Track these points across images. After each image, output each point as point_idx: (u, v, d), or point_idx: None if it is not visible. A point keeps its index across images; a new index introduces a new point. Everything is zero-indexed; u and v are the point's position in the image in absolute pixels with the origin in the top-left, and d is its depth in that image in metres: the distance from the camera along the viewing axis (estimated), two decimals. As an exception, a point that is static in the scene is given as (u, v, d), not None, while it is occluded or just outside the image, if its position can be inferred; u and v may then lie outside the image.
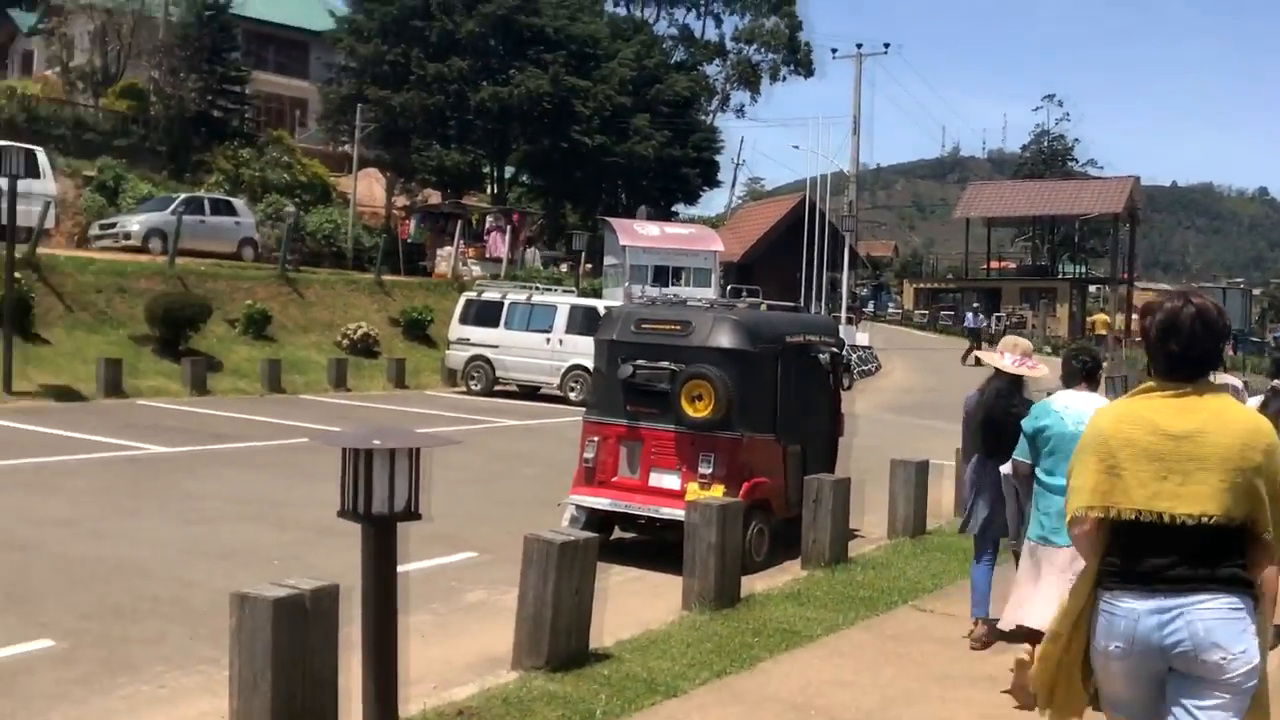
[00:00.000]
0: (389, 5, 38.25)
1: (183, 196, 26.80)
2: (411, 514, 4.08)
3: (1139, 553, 3.11)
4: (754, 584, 7.92)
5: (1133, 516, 3.09)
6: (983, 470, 6.75)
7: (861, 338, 34.47)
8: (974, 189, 57.33)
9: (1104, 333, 42.04)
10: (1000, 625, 6.06)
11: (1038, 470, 5.63)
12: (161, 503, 10.17)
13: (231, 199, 28.75)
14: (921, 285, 58.33)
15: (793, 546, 8.86)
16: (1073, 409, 5.52)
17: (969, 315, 38.35)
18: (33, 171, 20.05)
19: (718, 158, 61.84)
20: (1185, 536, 3.05)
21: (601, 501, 8.86)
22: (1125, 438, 3.14)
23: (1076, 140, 73.47)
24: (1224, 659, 3.00)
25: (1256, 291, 65.59)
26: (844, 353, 10.65)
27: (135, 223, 25.47)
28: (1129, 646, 3.09)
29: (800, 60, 61.92)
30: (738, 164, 60.71)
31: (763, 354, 8.93)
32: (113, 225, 25.84)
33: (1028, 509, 5.83)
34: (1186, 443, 3.08)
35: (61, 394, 17.09)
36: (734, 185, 63.78)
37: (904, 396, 28.00)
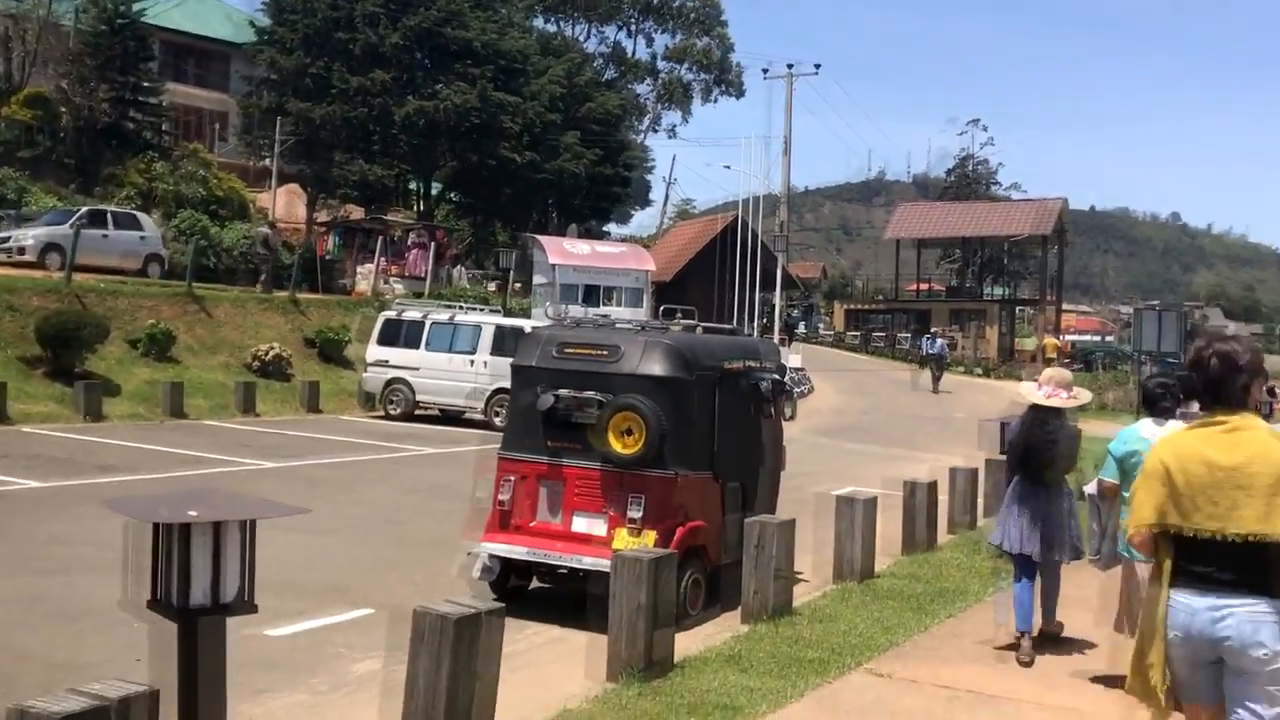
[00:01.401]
0: (311, 17, 36.93)
1: (84, 209, 25.28)
2: (245, 605, 3.10)
3: (1195, 560, 3.67)
4: (689, 643, 7.01)
5: (1191, 534, 3.66)
6: (1023, 492, 7.22)
7: (794, 359, 33.87)
8: (904, 210, 57.31)
9: (1053, 355, 42.18)
10: (1114, 627, 6.44)
11: (1124, 491, 5.90)
12: (17, 548, 8.97)
13: (137, 213, 27.22)
14: (852, 306, 58.12)
15: (728, 594, 7.98)
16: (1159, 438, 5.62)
17: (927, 341, 37.76)
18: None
19: (649, 177, 61.29)
20: (1235, 550, 3.59)
21: (518, 550, 7.87)
22: (1182, 469, 3.70)
23: (1000, 164, 74.31)
24: (1266, 654, 3.54)
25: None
26: (786, 379, 9.77)
27: (30, 236, 23.88)
28: (1186, 636, 3.66)
29: (731, 81, 61.70)
30: (669, 183, 60.17)
31: (699, 382, 8.03)
32: (6, 239, 24.23)
33: (1109, 525, 6.38)
34: (1236, 474, 3.62)
35: (-65, 421, 15.67)
36: (665, 205, 63.10)
37: (837, 419, 27.37)
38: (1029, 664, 6.90)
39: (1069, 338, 63.58)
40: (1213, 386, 3.76)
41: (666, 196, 60.87)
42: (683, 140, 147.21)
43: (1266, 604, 3.57)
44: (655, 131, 63.21)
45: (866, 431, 24.72)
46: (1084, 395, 7.53)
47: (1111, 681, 6.14)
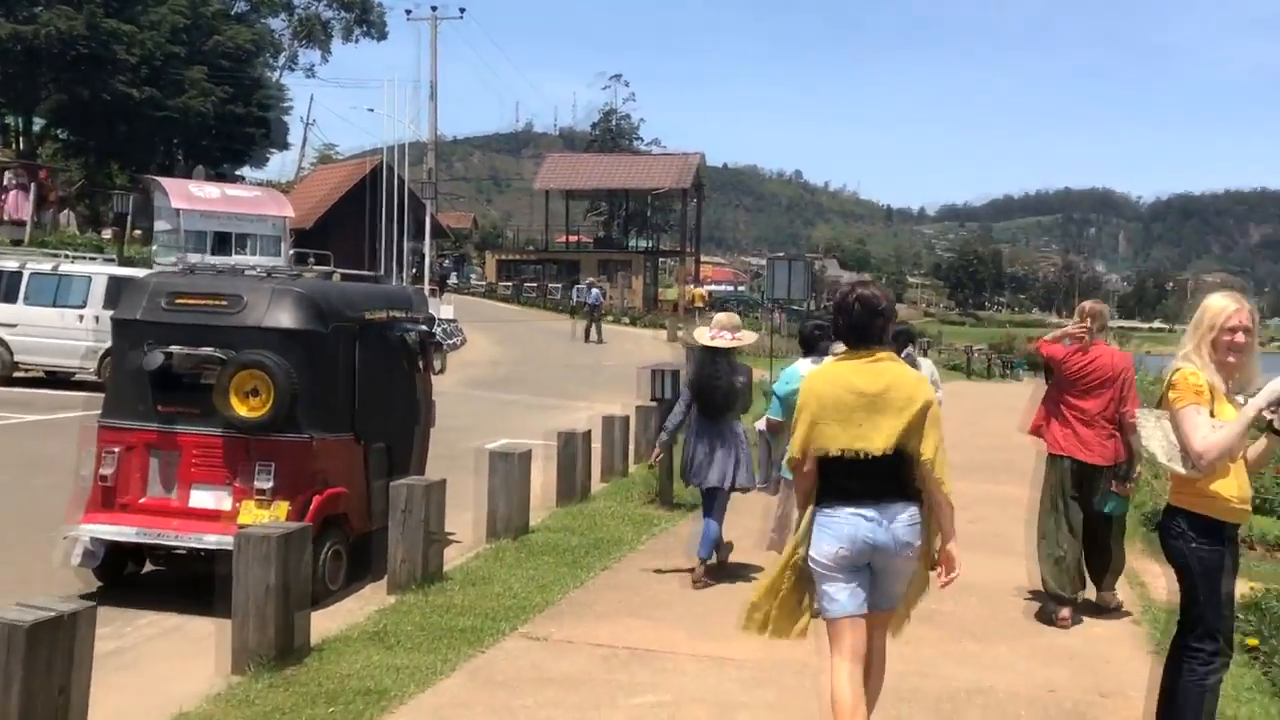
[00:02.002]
0: None
1: None
2: None
3: (847, 477, 4.17)
4: (328, 622, 6.38)
5: (840, 454, 4.15)
6: (700, 428, 7.70)
7: (446, 310, 33.20)
8: (552, 160, 57.70)
9: (700, 305, 44.50)
10: (768, 548, 7.07)
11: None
12: None
13: None
14: (504, 257, 57.96)
15: (379, 563, 7.40)
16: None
17: (581, 290, 37.90)
18: None
19: (286, 119, 57.88)
20: (880, 466, 4.13)
21: (126, 531, 6.86)
22: (833, 396, 4.21)
23: (642, 120, 76.65)
24: (911, 554, 4.22)
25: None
26: (435, 330, 9.19)
27: None
28: (846, 545, 4.14)
29: (373, 21, 59.29)
30: (307, 125, 57.11)
31: (336, 335, 7.31)
32: None
33: (778, 456, 6.78)
34: (877, 399, 4.16)
35: None
36: (304, 148, 59.84)
37: (491, 370, 27.06)
38: (702, 587, 7.42)
39: (706, 288, 66.83)
40: (856, 327, 4.28)
41: (305, 139, 57.78)
42: (322, 81, 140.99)
43: (908, 512, 4.19)
44: (292, 70, 59.74)
45: (521, 382, 24.58)
46: (749, 336, 8.03)
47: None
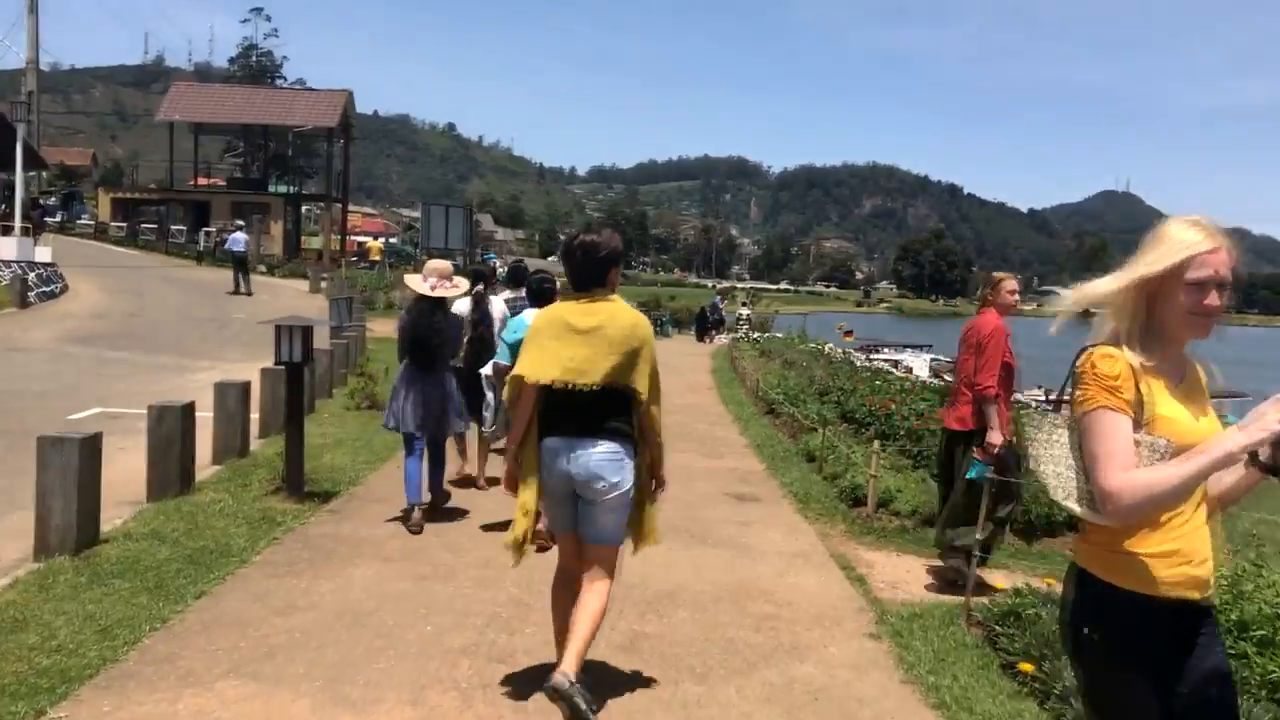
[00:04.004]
0: None
1: None
2: None
3: (558, 410, 4.36)
4: None
5: (549, 383, 4.32)
6: (412, 378, 7.65)
7: (42, 253, 28.47)
8: (178, 89, 51.78)
9: (378, 258, 45.02)
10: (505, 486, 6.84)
11: None
12: None
13: None
14: (120, 195, 51.58)
15: None
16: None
17: (232, 237, 33.13)
18: None
19: None
20: (590, 399, 4.31)
21: None
22: (551, 332, 4.41)
23: (285, 57, 71.52)
24: (604, 487, 4.32)
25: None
26: None
27: None
28: (550, 474, 4.39)
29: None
30: None
31: None
32: None
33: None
34: (591, 336, 4.36)
35: None
36: None
37: (96, 324, 23.22)
38: (419, 532, 7.37)
39: (355, 238, 63.13)
40: (578, 271, 4.45)
41: None
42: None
43: (605, 446, 4.31)
44: None
45: (131, 336, 21.11)
46: (463, 283, 8.09)
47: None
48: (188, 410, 8.00)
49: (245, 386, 9.66)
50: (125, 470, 8.52)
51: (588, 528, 4.38)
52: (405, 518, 7.58)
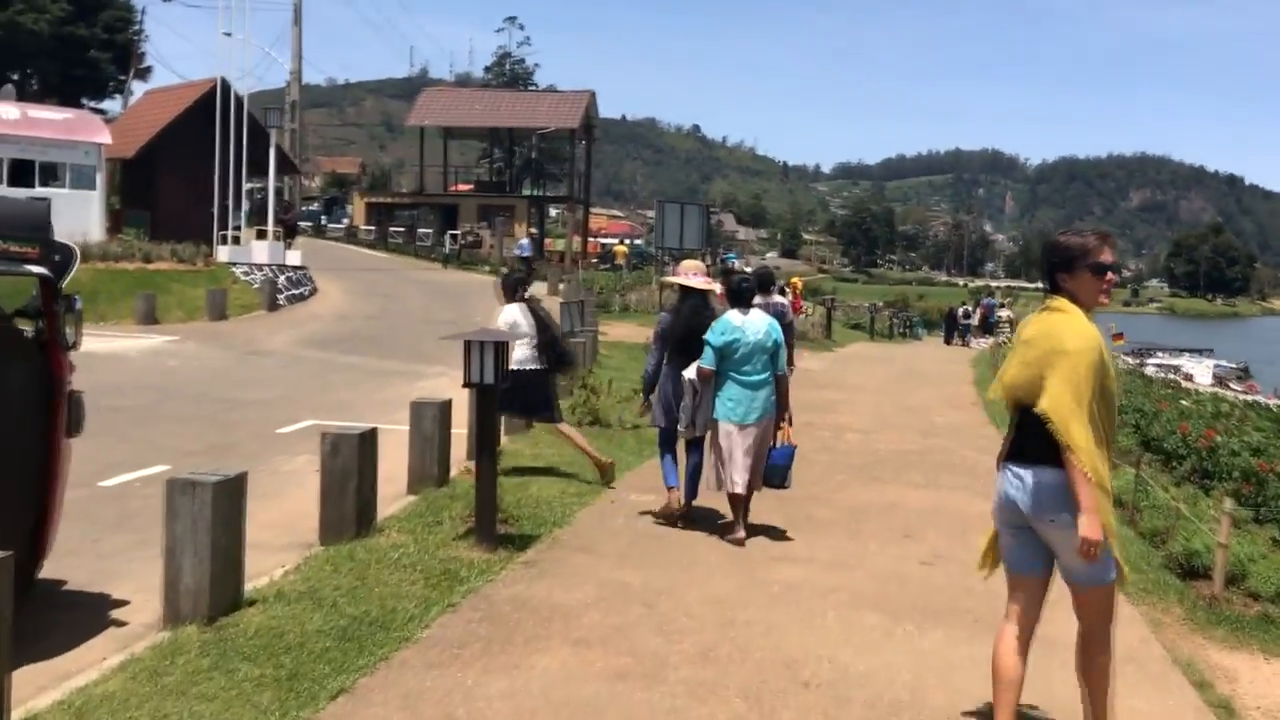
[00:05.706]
0: None
1: None
2: None
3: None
4: None
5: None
6: (676, 375, 7.67)
7: (293, 256, 29.10)
8: (428, 95, 53.14)
9: (621, 262, 44.71)
10: (714, 487, 7.53)
11: (733, 372, 7.28)
12: None
13: None
14: (374, 200, 53.40)
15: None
16: (751, 324, 7.35)
17: (520, 244, 33.67)
18: None
19: (144, 42, 52.36)
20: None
21: None
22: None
23: (537, 65, 73.06)
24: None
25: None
26: (68, 267, 5.35)
27: None
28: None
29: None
30: (137, 39, 51.06)
31: None
32: None
33: (703, 402, 7.44)
34: None
35: None
36: (132, 72, 53.01)
37: (337, 326, 23.30)
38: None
39: (600, 240, 63.32)
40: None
41: (135, 62, 51.58)
42: (185, 3, 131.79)
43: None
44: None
45: (368, 340, 20.94)
46: (717, 284, 8.23)
47: None
48: (367, 438, 6.85)
49: (445, 405, 8.50)
50: (314, 499, 7.39)
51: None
52: (679, 517, 7.71)
